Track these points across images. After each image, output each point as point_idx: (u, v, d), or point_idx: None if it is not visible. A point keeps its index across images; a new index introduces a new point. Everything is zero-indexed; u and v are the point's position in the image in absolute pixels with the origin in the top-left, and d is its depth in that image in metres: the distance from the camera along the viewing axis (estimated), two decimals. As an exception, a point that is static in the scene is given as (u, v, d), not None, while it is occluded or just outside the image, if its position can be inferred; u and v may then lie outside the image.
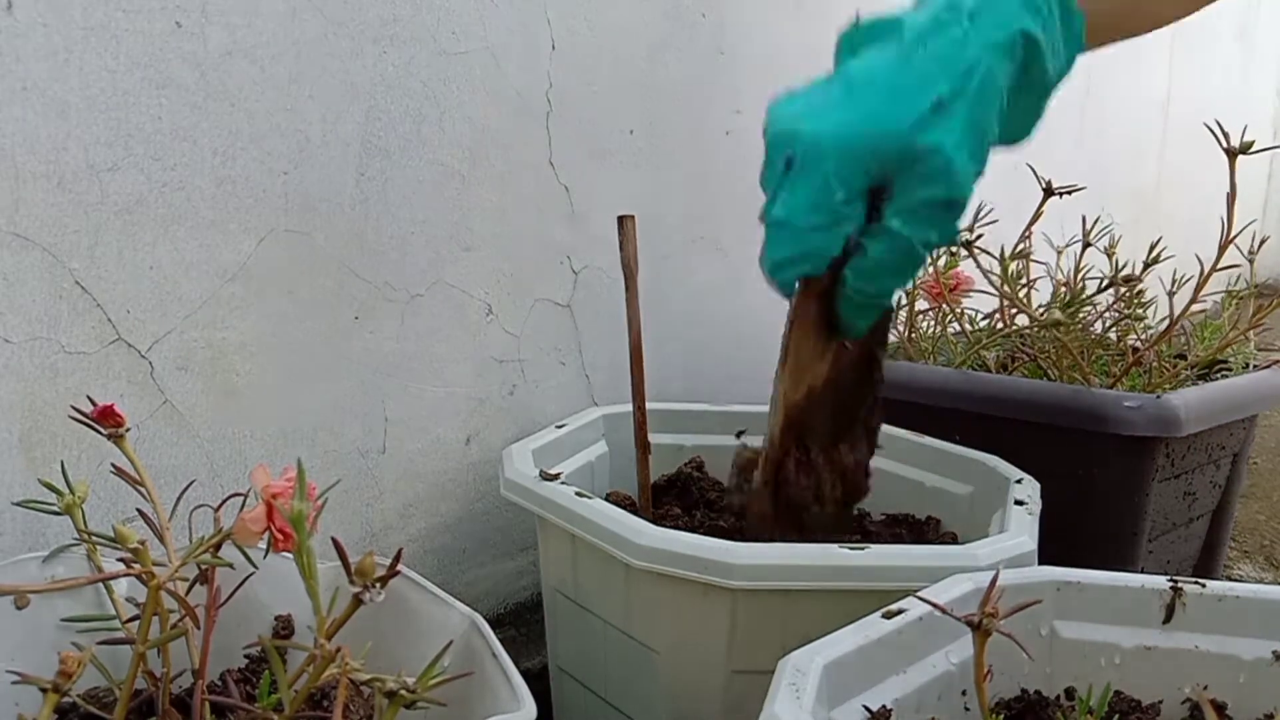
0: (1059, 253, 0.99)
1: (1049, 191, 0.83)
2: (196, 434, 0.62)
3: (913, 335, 0.95)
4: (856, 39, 0.54)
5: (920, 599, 0.42)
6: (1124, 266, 0.80)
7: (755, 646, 0.51)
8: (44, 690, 0.32)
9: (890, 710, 0.39)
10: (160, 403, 0.60)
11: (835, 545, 0.52)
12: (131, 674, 0.38)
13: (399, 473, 0.74)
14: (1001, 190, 0.99)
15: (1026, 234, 0.89)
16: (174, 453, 0.61)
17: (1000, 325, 0.91)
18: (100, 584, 0.46)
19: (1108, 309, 0.90)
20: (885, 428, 0.77)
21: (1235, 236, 0.75)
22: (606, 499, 0.65)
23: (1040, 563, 0.52)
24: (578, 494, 0.58)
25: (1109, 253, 0.95)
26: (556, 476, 0.62)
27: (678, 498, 0.74)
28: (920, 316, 0.96)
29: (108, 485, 0.57)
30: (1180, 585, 0.45)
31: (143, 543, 0.39)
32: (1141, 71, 2.17)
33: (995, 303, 0.91)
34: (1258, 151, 0.71)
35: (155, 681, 0.42)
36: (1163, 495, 0.78)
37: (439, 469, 0.77)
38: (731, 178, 0.98)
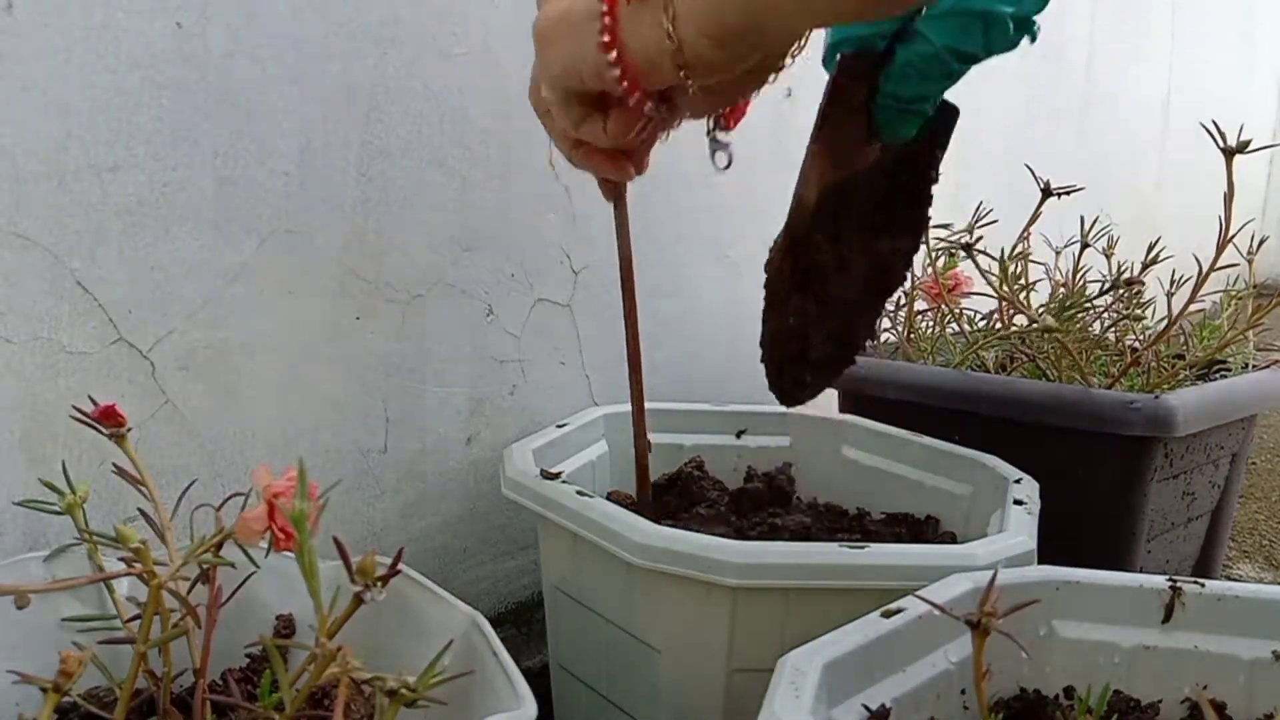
0: (1057, 253, 0.99)
1: (1047, 192, 0.83)
2: (198, 434, 0.62)
3: (912, 335, 0.95)
4: None
5: (919, 598, 0.42)
6: (1124, 267, 0.80)
7: (755, 645, 0.51)
8: (45, 690, 0.32)
9: (889, 709, 0.39)
10: (161, 403, 0.60)
11: (835, 545, 0.52)
12: (132, 673, 0.39)
13: (400, 472, 0.74)
14: (1001, 191, 0.99)
15: (1025, 234, 0.89)
16: (175, 452, 0.61)
17: (999, 326, 0.91)
18: (101, 583, 0.46)
19: (1106, 310, 0.90)
20: (884, 428, 0.78)
21: (1234, 236, 0.76)
22: (607, 498, 0.65)
23: (1039, 562, 0.52)
24: (579, 493, 0.58)
25: (1107, 254, 0.95)
26: (557, 475, 0.62)
27: (678, 497, 0.74)
28: (919, 317, 0.96)
29: (109, 485, 0.57)
30: (1179, 585, 0.45)
31: (144, 542, 0.39)
32: (1141, 71, 2.17)
33: (994, 303, 0.91)
34: (1255, 151, 0.71)
35: (156, 681, 0.42)
36: (1161, 495, 0.78)
37: (440, 469, 0.77)
38: (731, 177, 0.98)
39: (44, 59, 0.52)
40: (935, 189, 0.64)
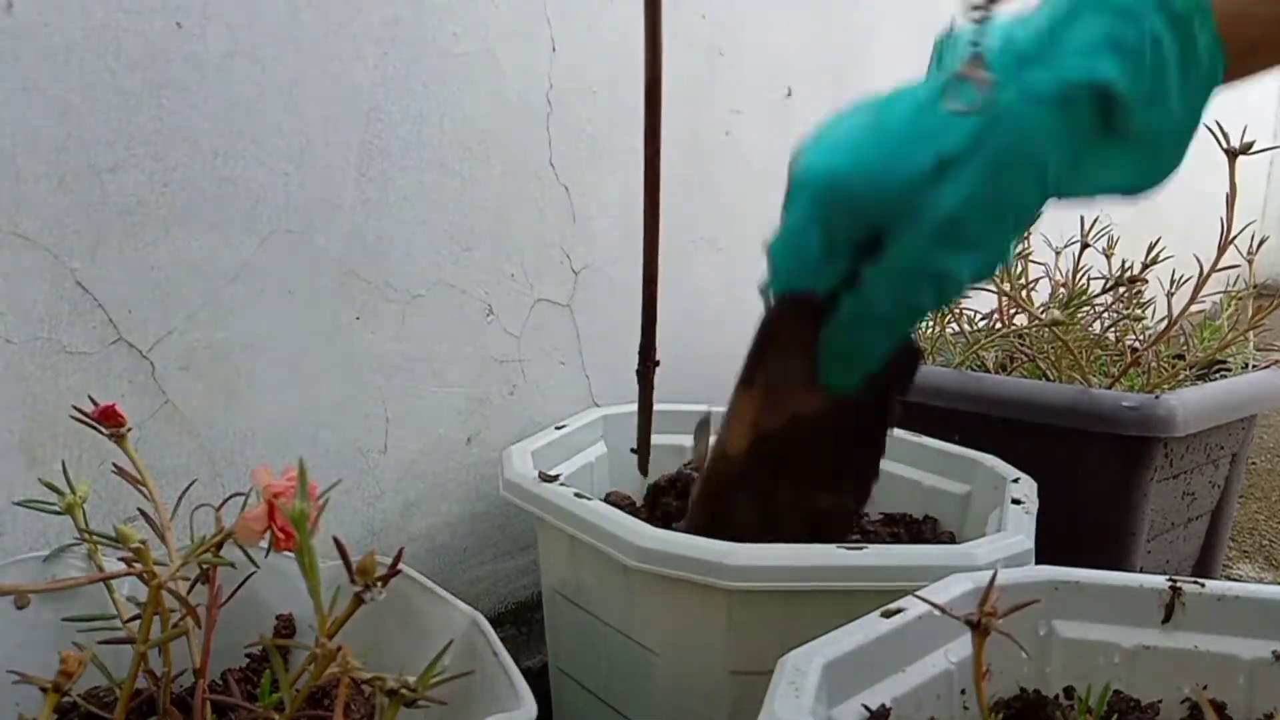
0: (1057, 253, 0.99)
1: (1048, 192, 0.83)
2: (198, 434, 0.62)
3: (912, 335, 0.95)
4: (944, 51, 0.45)
5: (919, 598, 0.42)
6: (1125, 267, 0.80)
7: (754, 647, 0.51)
8: (45, 690, 0.32)
9: (889, 709, 0.39)
10: (161, 403, 0.60)
11: (834, 545, 0.52)
12: (132, 673, 0.39)
13: (400, 472, 0.74)
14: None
15: (1025, 234, 0.89)
16: (175, 452, 0.61)
17: (999, 325, 0.91)
18: (101, 583, 0.46)
19: (1106, 310, 0.90)
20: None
21: (1235, 237, 0.76)
22: (606, 500, 0.65)
23: (1038, 562, 0.52)
24: (577, 495, 0.58)
25: (1107, 254, 0.95)
26: (555, 478, 0.62)
27: (678, 498, 0.74)
28: (920, 316, 0.96)
29: (109, 485, 0.57)
30: (1179, 585, 0.45)
31: (144, 542, 0.39)
32: (1141, 72, 2.16)
33: (994, 303, 0.91)
34: (1258, 152, 0.71)
35: (156, 681, 0.42)
36: (1161, 495, 0.78)
37: (440, 469, 0.77)
38: (731, 178, 0.99)
39: (44, 59, 0.52)
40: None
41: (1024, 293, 0.87)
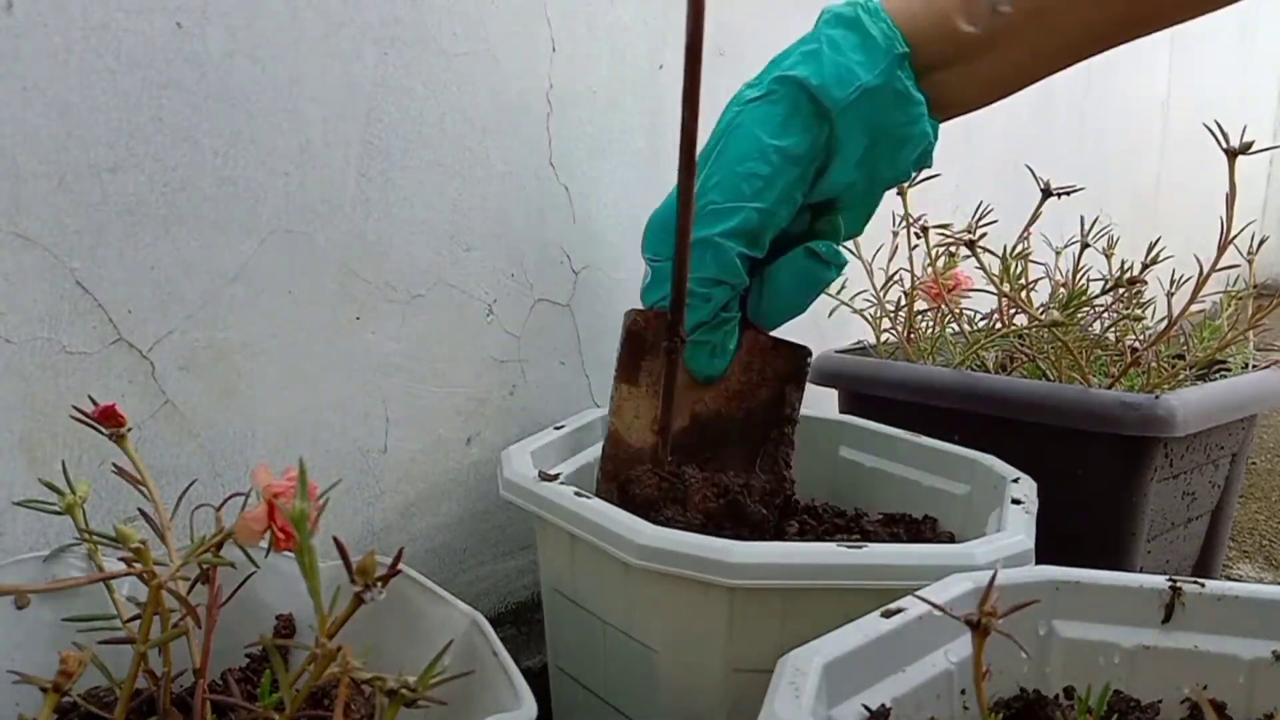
0: (1057, 254, 0.99)
1: (1047, 192, 0.83)
2: (198, 434, 0.62)
3: (912, 335, 0.95)
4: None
5: (919, 598, 0.42)
6: (1125, 267, 0.80)
7: (754, 645, 0.51)
8: (44, 690, 0.32)
9: (889, 709, 0.39)
10: (161, 403, 0.60)
11: (834, 544, 0.52)
12: (132, 673, 0.39)
13: (400, 472, 0.74)
14: (1001, 191, 0.99)
15: (1025, 234, 0.89)
16: (175, 452, 0.61)
17: (999, 325, 0.91)
18: (101, 583, 0.46)
19: (1106, 310, 0.90)
20: (881, 427, 0.78)
21: (1234, 237, 0.75)
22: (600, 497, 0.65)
23: (1038, 562, 0.52)
24: (576, 494, 0.58)
25: (1107, 254, 0.95)
26: (555, 477, 0.62)
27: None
28: (919, 317, 0.96)
29: (109, 485, 0.57)
30: (1179, 585, 0.45)
31: (144, 542, 0.39)
32: (1141, 71, 2.17)
33: (994, 303, 0.91)
34: (1258, 152, 0.71)
35: (156, 681, 0.42)
36: (1161, 495, 0.78)
37: (440, 469, 0.77)
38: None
39: (44, 59, 0.52)
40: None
41: (1024, 293, 0.87)
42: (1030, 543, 0.54)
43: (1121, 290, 0.81)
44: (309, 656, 0.34)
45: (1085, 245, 0.91)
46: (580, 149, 0.84)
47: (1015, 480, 0.64)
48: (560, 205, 0.83)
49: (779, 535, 0.66)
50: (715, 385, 0.64)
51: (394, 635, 0.48)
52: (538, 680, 0.61)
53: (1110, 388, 0.79)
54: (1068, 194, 0.82)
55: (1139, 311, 0.87)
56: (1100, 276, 0.85)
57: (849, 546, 0.51)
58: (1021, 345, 0.88)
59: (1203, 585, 0.45)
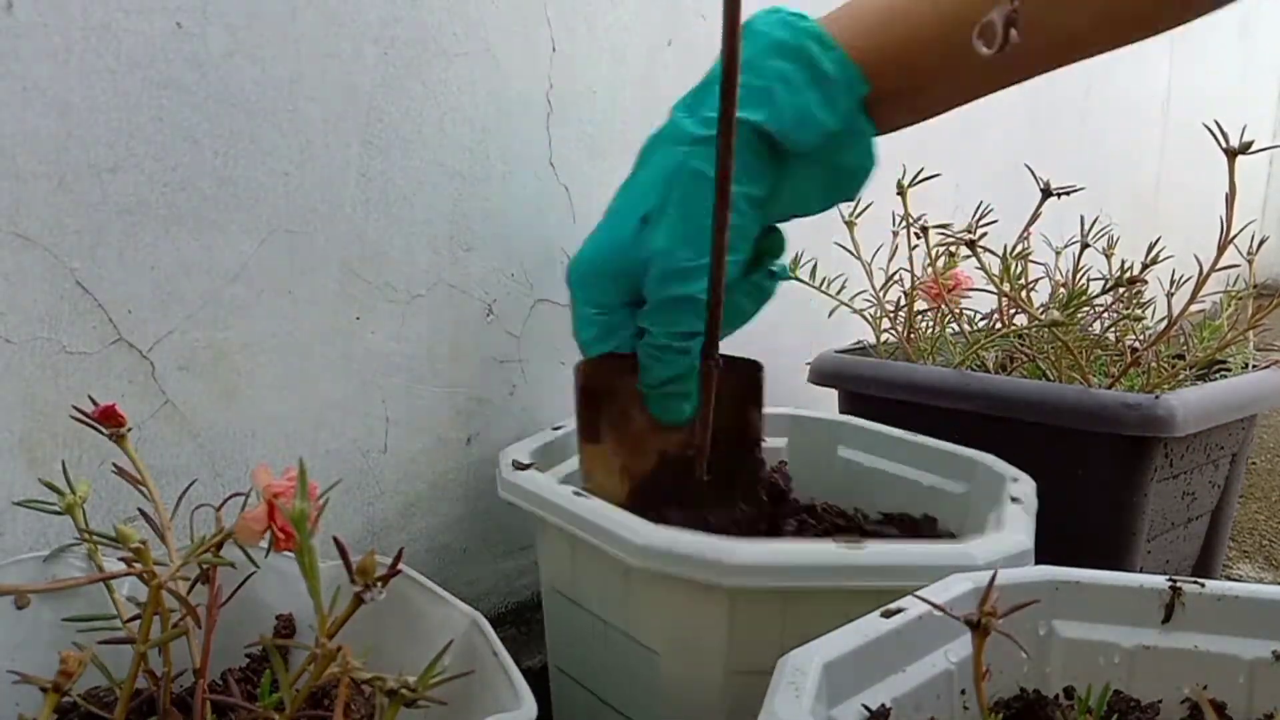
0: (1057, 254, 0.99)
1: (1047, 192, 0.83)
2: (198, 434, 0.62)
3: (912, 335, 0.95)
4: (641, 160, 0.61)
5: (919, 598, 0.42)
6: (1125, 267, 0.80)
7: (754, 646, 0.51)
8: (44, 690, 0.32)
9: (889, 709, 0.39)
10: (161, 403, 0.60)
11: (833, 544, 0.52)
12: (132, 673, 0.39)
13: (400, 472, 0.74)
14: (1001, 191, 0.99)
15: (1025, 234, 0.89)
16: (175, 452, 0.61)
17: (999, 325, 0.91)
18: (101, 583, 0.46)
19: (1106, 310, 0.90)
20: (880, 427, 0.78)
21: (1234, 237, 0.75)
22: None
23: (1038, 562, 0.52)
24: (576, 494, 0.58)
25: (1107, 254, 0.95)
26: (529, 466, 0.63)
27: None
28: (919, 317, 0.96)
29: (109, 485, 0.57)
30: (1179, 585, 0.45)
31: (144, 542, 0.39)
32: (1141, 71, 2.17)
33: (994, 303, 0.91)
34: (1257, 151, 0.71)
35: (156, 681, 0.42)
36: (1161, 495, 0.78)
37: (440, 468, 0.77)
38: (731, 178, 0.98)
39: (44, 59, 0.52)
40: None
41: (1024, 293, 0.87)
42: (1030, 543, 0.54)
43: (1121, 290, 0.81)
44: (309, 656, 0.34)
45: (1085, 245, 0.91)
46: (580, 149, 0.84)
47: (1015, 480, 0.64)
48: (560, 205, 0.83)
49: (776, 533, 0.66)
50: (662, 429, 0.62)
51: (394, 635, 0.48)
52: (538, 680, 0.61)
53: (1110, 388, 0.79)
54: (1068, 194, 0.82)
55: (1139, 311, 0.87)
56: (1100, 276, 0.85)
57: (849, 546, 0.51)
58: (1021, 345, 0.88)
59: (1203, 585, 0.45)
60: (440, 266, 0.74)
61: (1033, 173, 0.85)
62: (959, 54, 0.53)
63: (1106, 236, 0.95)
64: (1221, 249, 0.76)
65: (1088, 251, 0.91)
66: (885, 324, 0.98)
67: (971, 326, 0.94)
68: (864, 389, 0.89)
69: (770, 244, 0.61)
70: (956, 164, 1.22)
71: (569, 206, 0.84)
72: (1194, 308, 0.81)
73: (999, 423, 0.78)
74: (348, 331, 0.69)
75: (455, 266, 0.75)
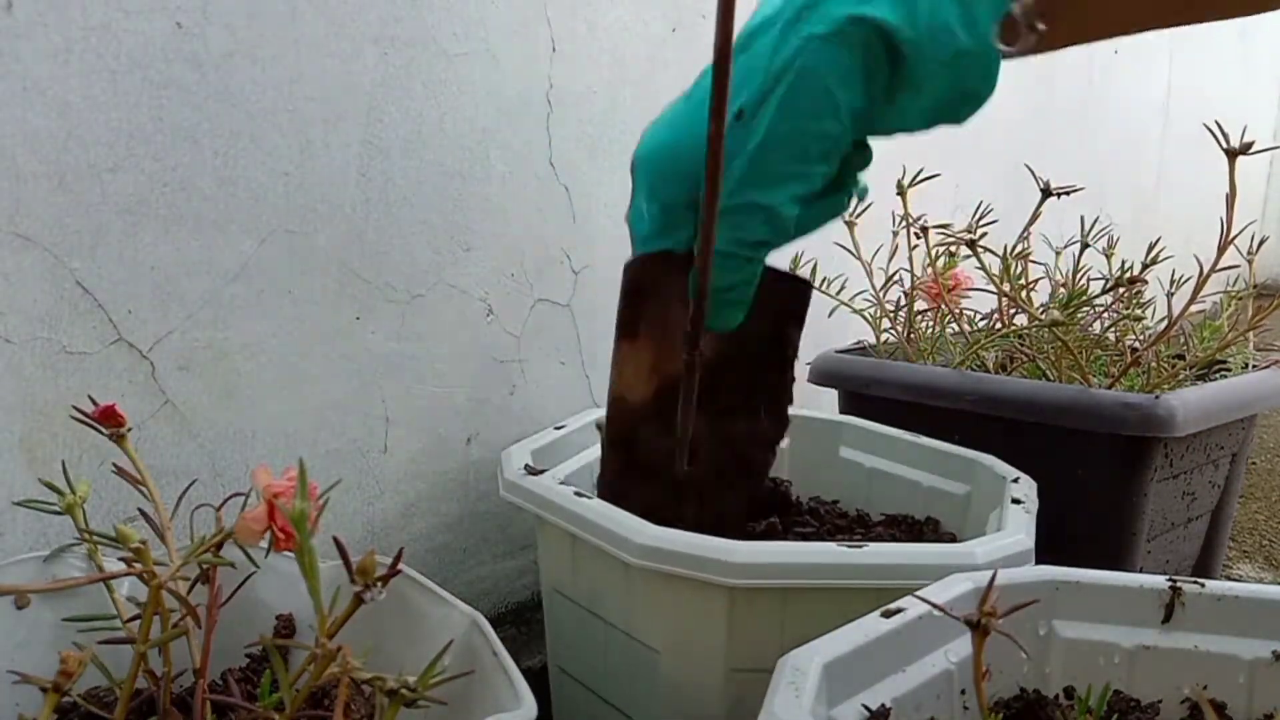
0: (1057, 254, 0.99)
1: (1047, 192, 0.83)
2: (198, 434, 0.62)
3: (912, 335, 0.95)
4: (740, 43, 0.52)
5: (919, 598, 0.42)
6: (1125, 267, 0.80)
7: (754, 645, 0.51)
8: (45, 690, 0.32)
9: (889, 709, 0.39)
10: (161, 403, 0.60)
11: (833, 544, 0.52)
12: (132, 673, 0.39)
13: (400, 472, 0.74)
14: (1001, 190, 0.99)
15: (1025, 234, 0.89)
16: (175, 452, 0.61)
17: (999, 325, 0.91)
18: (101, 583, 0.46)
19: (1106, 310, 0.90)
20: (881, 428, 0.78)
21: (1235, 237, 0.75)
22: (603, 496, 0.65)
23: (1038, 562, 0.52)
24: (576, 494, 0.58)
25: (1107, 254, 0.95)
26: (542, 471, 0.62)
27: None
28: (919, 317, 0.96)
29: (109, 485, 0.57)
30: (1179, 585, 0.45)
31: (144, 542, 0.39)
32: (1141, 71, 2.16)
33: (994, 303, 0.91)
34: (1258, 152, 0.71)
35: (156, 681, 0.42)
36: (1161, 495, 0.78)
37: (440, 468, 0.77)
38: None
39: (44, 59, 0.52)
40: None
41: (1024, 293, 0.87)
42: (1030, 543, 0.54)
43: (1121, 290, 0.81)
44: (309, 656, 0.34)
45: (1085, 245, 0.91)
46: (580, 149, 0.84)
47: (1015, 480, 0.64)
48: (560, 205, 0.83)
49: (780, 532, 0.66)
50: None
51: (394, 635, 0.48)
52: (538, 680, 0.60)
53: (1110, 388, 0.79)
54: (1068, 194, 0.82)
55: (1139, 311, 0.87)
56: (1100, 276, 0.85)
57: (849, 546, 0.51)
58: (1021, 345, 0.88)
59: (1203, 585, 0.45)
60: (440, 266, 0.74)
61: (1033, 173, 0.84)
62: None
63: (1106, 236, 0.95)
64: (1221, 249, 0.76)
65: (1088, 251, 0.91)
66: (885, 324, 0.98)
67: (971, 326, 0.94)
68: (864, 389, 0.89)
69: (859, 158, 0.56)
70: (956, 164, 1.22)
71: (569, 206, 0.84)
72: (1194, 308, 0.81)
73: (999, 423, 0.78)
74: (348, 331, 0.69)
75: (455, 266, 0.75)
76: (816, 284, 0.93)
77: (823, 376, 0.94)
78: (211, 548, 0.41)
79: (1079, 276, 0.89)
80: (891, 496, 0.74)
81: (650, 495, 0.58)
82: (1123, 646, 0.46)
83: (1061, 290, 0.91)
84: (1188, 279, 0.81)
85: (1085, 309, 0.83)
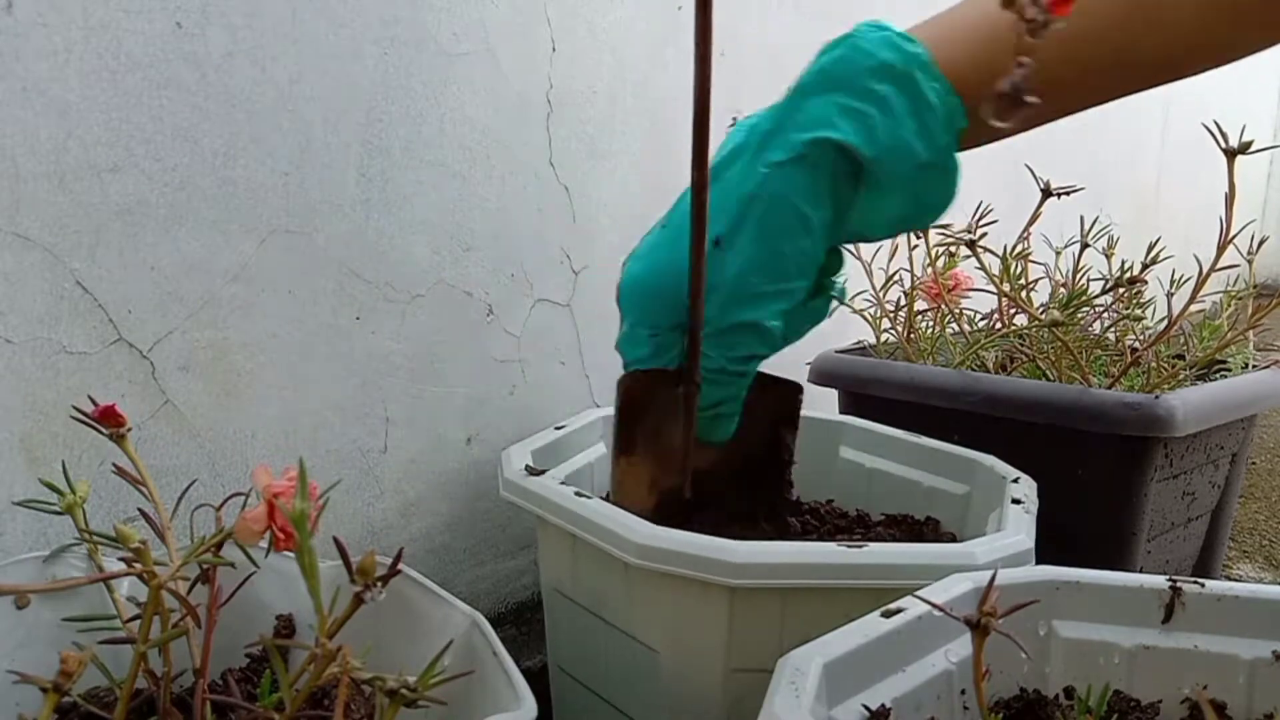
0: (1057, 254, 0.99)
1: (1047, 192, 0.83)
2: (198, 434, 0.62)
3: (912, 335, 0.95)
4: (712, 173, 0.55)
5: (919, 598, 0.42)
6: (1125, 267, 0.80)
7: (754, 645, 0.51)
8: (45, 690, 0.32)
9: (889, 709, 0.39)
10: (161, 403, 0.60)
11: (834, 544, 0.52)
12: (132, 673, 0.39)
13: (400, 472, 0.74)
14: (1001, 191, 0.99)
15: (1025, 234, 0.89)
16: (175, 452, 0.61)
17: (999, 325, 0.91)
18: (101, 583, 0.46)
19: (1106, 310, 0.90)
20: (881, 428, 0.78)
21: (1234, 237, 0.75)
22: (606, 499, 0.65)
23: (1038, 562, 0.52)
24: (576, 494, 0.58)
25: (1107, 254, 0.95)
26: (543, 471, 0.62)
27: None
28: (919, 317, 0.96)
29: (109, 485, 0.57)
30: (1179, 585, 0.45)
31: (144, 542, 0.39)
32: (1141, 72, 2.16)
33: (994, 303, 0.91)
34: (1257, 151, 0.71)
35: (156, 681, 0.42)
36: (1161, 495, 0.78)
37: (440, 469, 0.77)
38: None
39: (44, 59, 0.52)
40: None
41: (1024, 293, 0.87)
42: (1030, 543, 0.54)
43: (1121, 290, 0.81)
44: (309, 656, 0.34)
45: (1085, 245, 0.91)
46: (580, 149, 0.84)
47: (1015, 480, 0.64)
48: (560, 205, 0.83)
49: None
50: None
51: (394, 635, 0.48)
52: (538, 680, 0.60)
53: (1110, 388, 0.79)
54: (1068, 194, 0.82)
55: (1139, 311, 0.87)
56: (1100, 276, 0.85)
57: (849, 546, 0.51)
58: (1021, 345, 0.89)
59: (1203, 585, 0.45)
60: (440, 266, 0.74)
61: (1033, 173, 0.85)
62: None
63: (1106, 236, 0.95)
64: (1221, 249, 0.76)
65: (1088, 251, 0.91)
66: (885, 324, 0.98)
67: (971, 326, 0.94)
68: (864, 389, 0.89)
69: (834, 262, 0.59)
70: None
71: (569, 206, 0.84)
72: (1194, 308, 0.81)
73: (999, 423, 0.78)
74: (348, 331, 0.69)
75: (455, 266, 0.75)
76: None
77: (823, 376, 0.94)
78: (211, 548, 0.41)
79: (1079, 276, 0.89)
80: (891, 497, 0.74)
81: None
82: (1123, 646, 0.46)
83: (1061, 290, 0.91)
84: (1188, 279, 0.81)
85: (1085, 309, 0.83)
